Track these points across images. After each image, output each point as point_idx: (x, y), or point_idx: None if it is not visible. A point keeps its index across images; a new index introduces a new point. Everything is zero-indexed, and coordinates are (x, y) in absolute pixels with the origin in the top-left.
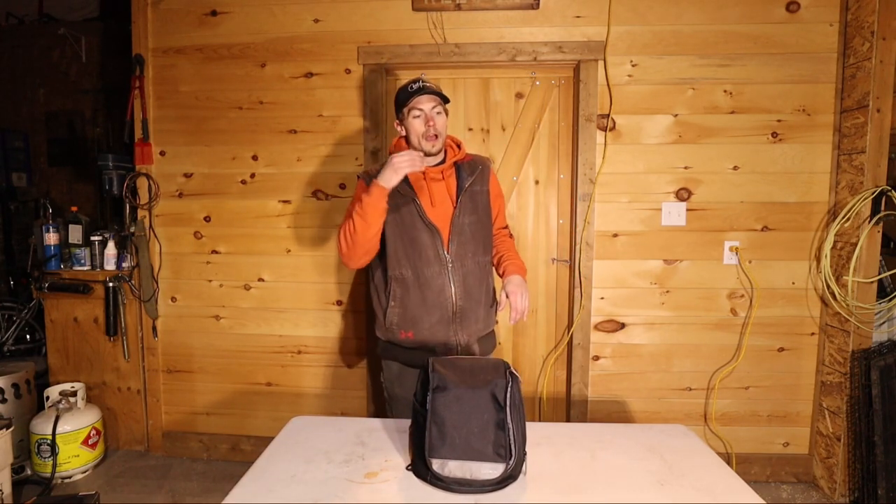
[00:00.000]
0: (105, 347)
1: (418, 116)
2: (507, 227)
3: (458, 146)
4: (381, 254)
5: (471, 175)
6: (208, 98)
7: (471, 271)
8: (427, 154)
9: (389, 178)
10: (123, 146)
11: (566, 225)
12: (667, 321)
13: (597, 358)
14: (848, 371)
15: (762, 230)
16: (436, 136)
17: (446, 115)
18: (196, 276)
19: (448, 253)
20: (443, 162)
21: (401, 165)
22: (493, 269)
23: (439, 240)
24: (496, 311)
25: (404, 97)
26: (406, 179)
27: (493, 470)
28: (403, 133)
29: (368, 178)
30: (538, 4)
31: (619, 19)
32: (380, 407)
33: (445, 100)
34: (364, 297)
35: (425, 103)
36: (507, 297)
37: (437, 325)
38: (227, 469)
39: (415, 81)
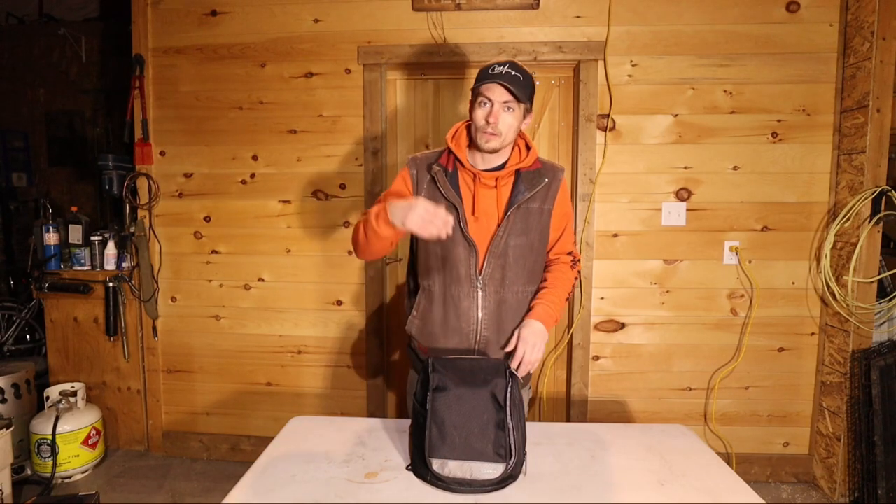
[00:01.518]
0: (105, 347)
1: (483, 105)
2: (571, 253)
3: (528, 149)
4: (412, 259)
5: (530, 189)
6: (208, 98)
7: (506, 301)
8: (482, 151)
9: (402, 221)
10: (123, 146)
11: None
12: (667, 321)
13: (597, 358)
14: (848, 371)
15: (762, 230)
16: (494, 134)
17: (524, 115)
18: (196, 276)
19: (480, 275)
20: (502, 167)
21: (415, 223)
22: None
23: (475, 258)
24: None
25: (481, 76)
26: (454, 180)
27: (493, 470)
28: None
29: (417, 168)
30: (538, 4)
31: (619, 19)
32: (380, 407)
33: (530, 96)
34: (364, 296)
35: (497, 93)
36: (516, 340)
37: (454, 351)
38: (227, 469)
39: (503, 63)
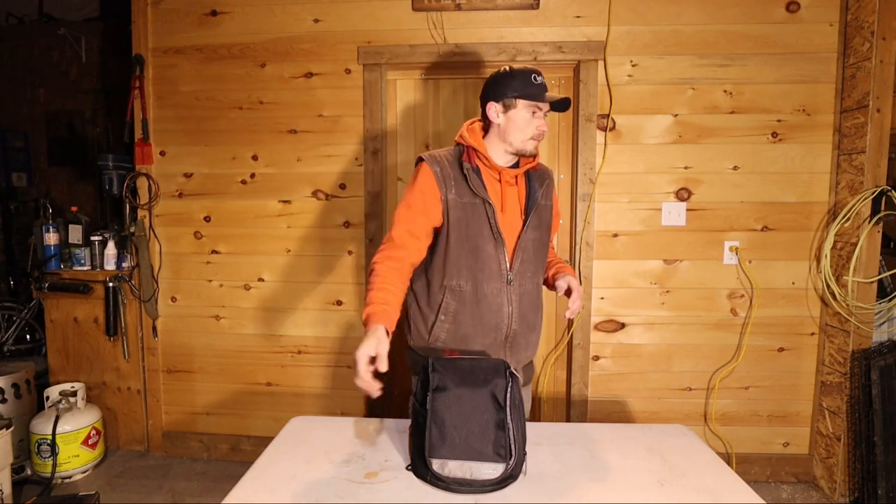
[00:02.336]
0: (105, 347)
1: (536, 113)
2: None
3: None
4: (427, 261)
5: (540, 186)
6: (208, 98)
7: (528, 292)
8: (521, 154)
9: (360, 348)
10: (123, 146)
11: (566, 225)
12: (667, 321)
13: (597, 358)
14: (848, 371)
15: (762, 230)
16: (540, 140)
17: None
18: (196, 276)
19: (511, 269)
20: (515, 166)
21: (361, 370)
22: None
23: (503, 252)
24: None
25: (526, 86)
26: (480, 177)
27: (493, 470)
28: (500, 121)
29: (440, 166)
30: (538, 4)
31: (619, 19)
32: (379, 407)
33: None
34: (364, 296)
35: (545, 105)
36: (571, 289)
37: (489, 348)
38: (227, 469)
39: (536, 73)
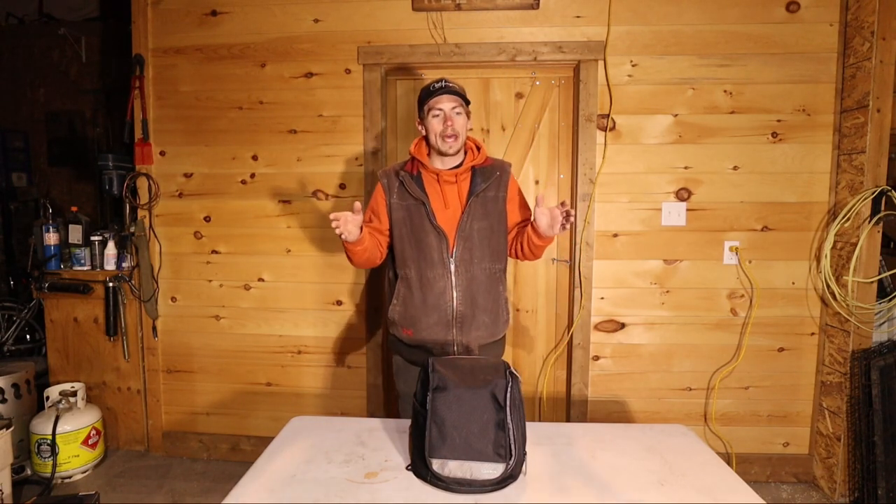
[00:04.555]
0: (105, 347)
1: (437, 115)
2: None
3: (479, 149)
4: (390, 255)
5: (485, 181)
6: (208, 98)
7: (476, 277)
8: (443, 154)
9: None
10: (123, 146)
11: None
12: (667, 321)
13: (597, 358)
14: (848, 371)
15: (762, 230)
16: (453, 136)
17: (468, 116)
18: (196, 276)
19: (452, 257)
20: (459, 165)
21: (338, 232)
22: (504, 276)
23: (445, 243)
24: (507, 323)
25: (426, 95)
26: (419, 181)
27: (493, 470)
28: (424, 132)
29: (387, 177)
30: (538, 4)
31: (619, 19)
32: (380, 407)
33: (467, 101)
34: (364, 296)
35: (445, 102)
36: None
37: (434, 326)
38: (227, 469)
39: (438, 81)
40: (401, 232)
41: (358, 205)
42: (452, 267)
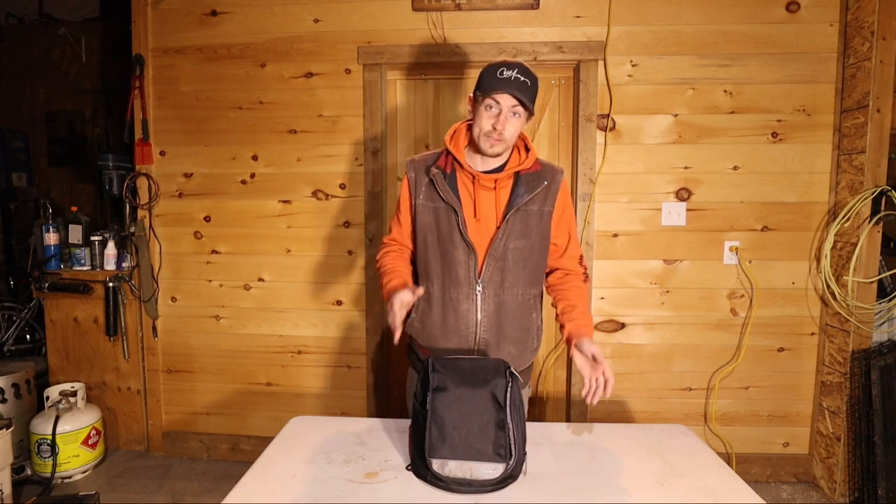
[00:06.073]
0: (105, 347)
1: (491, 108)
2: (581, 262)
3: (527, 150)
4: (414, 262)
5: (529, 191)
6: (208, 98)
7: (505, 304)
8: (484, 155)
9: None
10: (123, 146)
11: None
12: (667, 321)
13: None
14: (848, 371)
15: (762, 230)
16: (500, 140)
17: (528, 118)
18: (196, 276)
19: (480, 278)
20: (500, 168)
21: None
22: (540, 302)
23: (474, 261)
24: (535, 352)
25: (489, 80)
26: (453, 181)
27: (493, 470)
28: (470, 116)
29: (415, 171)
30: (538, 4)
31: (619, 19)
32: (380, 407)
33: (533, 100)
34: (364, 296)
35: (506, 99)
36: (595, 365)
37: (454, 351)
38: (227, 469)
39: (511, 66)
40: (425, 238)
41: (420, 290)
42: (479, 289)
